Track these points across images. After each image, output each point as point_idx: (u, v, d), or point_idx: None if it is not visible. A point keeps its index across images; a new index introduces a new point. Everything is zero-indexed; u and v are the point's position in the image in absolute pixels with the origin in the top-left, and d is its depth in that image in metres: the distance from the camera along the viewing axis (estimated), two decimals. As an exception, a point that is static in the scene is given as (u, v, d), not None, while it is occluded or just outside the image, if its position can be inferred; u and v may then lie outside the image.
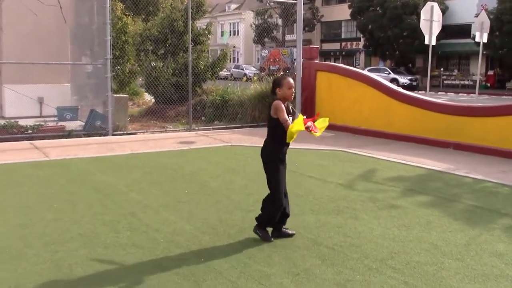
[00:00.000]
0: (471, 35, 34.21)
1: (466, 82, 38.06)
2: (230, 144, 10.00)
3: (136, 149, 9.21)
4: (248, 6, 56.59)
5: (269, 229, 4.69)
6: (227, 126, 12.67)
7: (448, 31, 34.87)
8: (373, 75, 12.70)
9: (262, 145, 4.69)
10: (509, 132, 8.92)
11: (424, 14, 15.89)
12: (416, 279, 3.86)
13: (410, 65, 42.86)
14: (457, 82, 38.65)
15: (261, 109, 12.51)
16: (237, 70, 39.69)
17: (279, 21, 48.51)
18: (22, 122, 10.63)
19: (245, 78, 18.51)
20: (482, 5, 34.90)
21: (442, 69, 39.51)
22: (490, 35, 20.58)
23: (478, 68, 21.92)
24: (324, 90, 12.48)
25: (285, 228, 4.76)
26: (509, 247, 4.55)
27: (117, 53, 14.01)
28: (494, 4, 33.83)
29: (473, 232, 4.95)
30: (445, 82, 38.94)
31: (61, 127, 10.93)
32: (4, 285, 3.66)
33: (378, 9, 40.52)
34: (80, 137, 10.57)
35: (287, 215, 4.75)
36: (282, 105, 4.45)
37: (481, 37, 18.58)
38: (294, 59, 17.78)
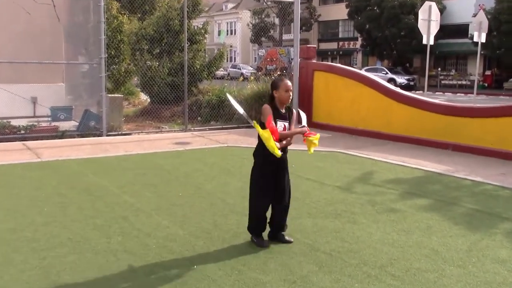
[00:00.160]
0: (469, 35, 34.26)
1: (464, 82, 38.01)
2: (226, 145, 9.86)
3: (130, 150, 9.06)
4: (245, 5, 56.43)
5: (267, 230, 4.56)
6: (223, 126, 12.53)
7: (446, 31, 34.80)
8: (371, 75, 12.60)
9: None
10: (508, 133, 8.80)
11: (422, 13, 15.78)
12: (416, 287, 3.73)
13: (407, 65, 42.80)
14: (454, 82, 38.59)
15: (258, 109, 12.28)
16: (234, 69, 39.57)
17: (276, 21, 48.41)
18: (15, 122, 10.47)
19: (241, 78, 18.35)
20: (479, 5, 34.85)
21: (439, 69, 39.46)
22: (488, 35, 20.48)
23: (476, 68, 21.80)
24: (322, 90, 12.35)
25: (283, 235, 4.61)
26: (512, 253, 4.43)
27: (112, 52, 13.86)
28: (491, 4, 33.77)
29: (474, 237, 4.82)
30: (443, 82, 38.89)
31: (55, 127, 10.75)
32: (-12, 294, 3.52)
33: (375, 8, 40.45)
34: (74, 137, 10.41)
35: (278, 227, 4.56)
36: (269, 110, 4.29)
37: (479, 37, 18.48)
38: (291, 59, 17.67)
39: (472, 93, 23.69)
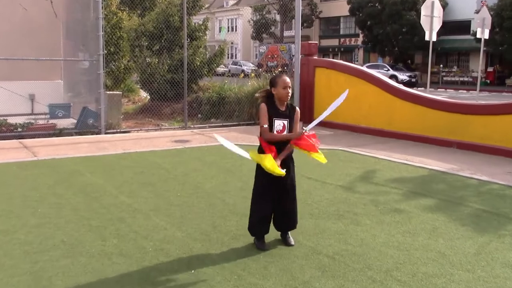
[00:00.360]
0: (471, 32, 34.02)
1: (466, 79, 37.80)
2: (226, 143, 9.68)
3: (129, 148, 8.90)
4: (246, 2, 56.24)
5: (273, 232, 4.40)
6: (223, 124, 12.37)
7: (448, 27, 34.57)
8: (373, 72, 12.42)
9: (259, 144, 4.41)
10: (514, 131, 8.64)
11: (424, 9, 15.59)
12: (423, 293, 3.57)
13: (409, 61, 42.58)
14: (456, 78, 38.38)
15: (259, 106, 12.19)
16: (235, 66, 39.33)
17: (277, 17, 48.21)
18: (12, 120, 10.31)
19: (242, 75, 18.16)
20: (482, 1, 34.58)
21: (441, 65, 39.20)
22: (490, 31, 20.26)
23: (479, 65, 21.60)
24: (323, 87, 12.18)
25: (287, 236, 4.47)
26: (521, 256, 4.27)
27: (111, 49, 13.68)
28: (494, 0, 33.53)
29: (482, 240, 4.66)
30: (445, 78, 38.64)
31: (52, 125, 10.58)
32: (-24, 301, 3.37)
33: (377, 5, 40.24)
34: (72, 135, 10.25)
35: (282, 228, 4.43)
36: (265, 110, 4.16)
37: (482, 33, 18.27)
38: (293, 55, 17.48)
39: (475, 89, 23.51)
